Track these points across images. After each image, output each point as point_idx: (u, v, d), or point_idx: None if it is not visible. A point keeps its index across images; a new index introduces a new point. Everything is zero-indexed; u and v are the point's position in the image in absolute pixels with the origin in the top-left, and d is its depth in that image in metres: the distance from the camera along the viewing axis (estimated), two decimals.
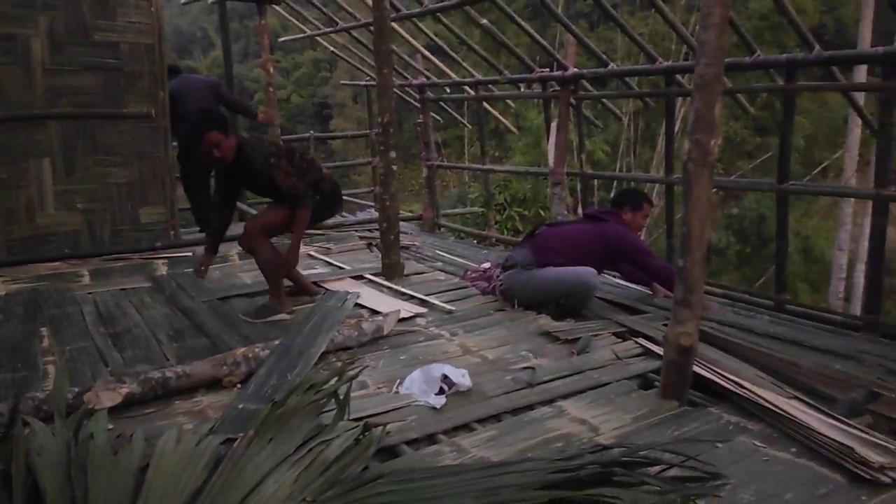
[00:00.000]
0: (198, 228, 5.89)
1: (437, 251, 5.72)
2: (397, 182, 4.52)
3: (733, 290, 4.38)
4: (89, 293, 4.19)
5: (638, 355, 3.02)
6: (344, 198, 9.26)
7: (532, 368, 2.80)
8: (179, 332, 3.43)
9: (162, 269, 4.89)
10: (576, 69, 4.92)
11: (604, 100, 5.55)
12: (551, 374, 2.76)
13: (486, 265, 4.61)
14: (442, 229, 7.34)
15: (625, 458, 1.62)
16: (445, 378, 2.56)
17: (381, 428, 2.05)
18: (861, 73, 9.72)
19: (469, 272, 4.57)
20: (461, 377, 2.59)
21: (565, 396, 2.59)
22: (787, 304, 3.92)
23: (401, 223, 7.40)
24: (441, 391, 2.54)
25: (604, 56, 5.02)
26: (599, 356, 2.97)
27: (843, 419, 2.23)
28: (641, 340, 3.16)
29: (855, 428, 2.15)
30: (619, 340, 3.21)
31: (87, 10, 5.12)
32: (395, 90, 7.70)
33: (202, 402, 2.59)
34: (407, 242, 5.90)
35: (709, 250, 13.70)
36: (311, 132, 8.46)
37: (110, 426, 2.21)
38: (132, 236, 5.49)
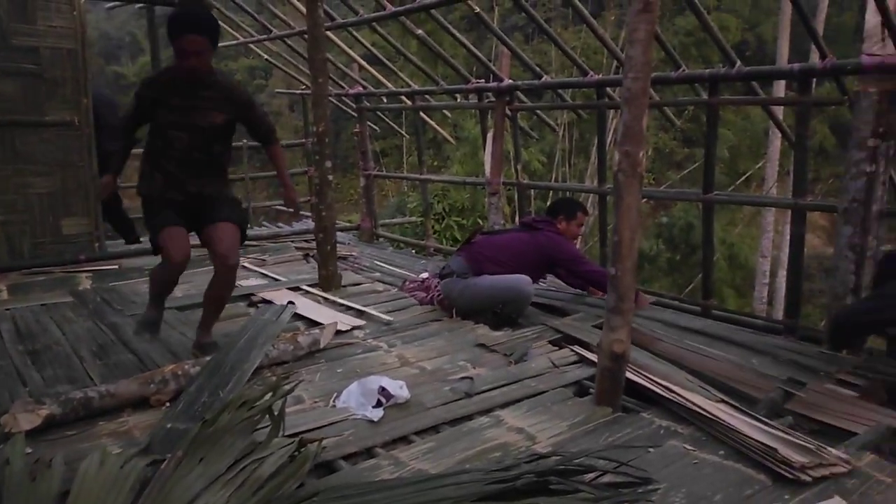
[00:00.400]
0: (123, 241, 5.65)
1: (376, 261, 5.69)
2: (333, 192, 4.48)
3: (663, 296, 4.51)
4: (7, 309, 3.98)
5: (574, 363, 3.07)
6: (281, 207, 9.17)
7: (470, 378, 2.80)
8: (104, 349, 3.28)
9: (85, 283, 4.68)
10: (510, 80, 5.00)
11: (538, 111, 5.64)
12: (489, 384, 2.78)
13: (425, 275, 4.61)
14: (380, 239, 7.31)
15: (560, 467, 1.64)
16: (383, 391, 2.54)
17: (316, 443, 2.02)
18: (780, 88, 10.23)
19: (407, 282, 4.57)
20: (399, 389, 2.58)
21: (503, 406, 2.61)
22: (713, 309, 4.07)
23: (339, 233, 7.33)
24: (379, 404, 2.51)
25: (537, 68, 5.11)
26: (536, 365, 3.01)
27: (767, 421, 2.32)
28: (577, 348, 3.22)
29: (777, 429, 2.24)
30: (556, 348, 3.26)
31: (5, 14, 4.87)
32: (332, 99, 7.64)
33: (128, 423, 2.48)
34: (345, 253, 5.85)
35: (641, 258, 14.07)
36: (245, 141, 8.27)
37: (29, 450, 2.10)
38: (54, 248, 5.23)
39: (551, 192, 12.81)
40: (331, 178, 4.39)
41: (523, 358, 3.09)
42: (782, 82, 9.94)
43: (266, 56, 7.97)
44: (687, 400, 2.48)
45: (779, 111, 9.05)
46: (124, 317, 3.78)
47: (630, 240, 2.50)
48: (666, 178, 18.35)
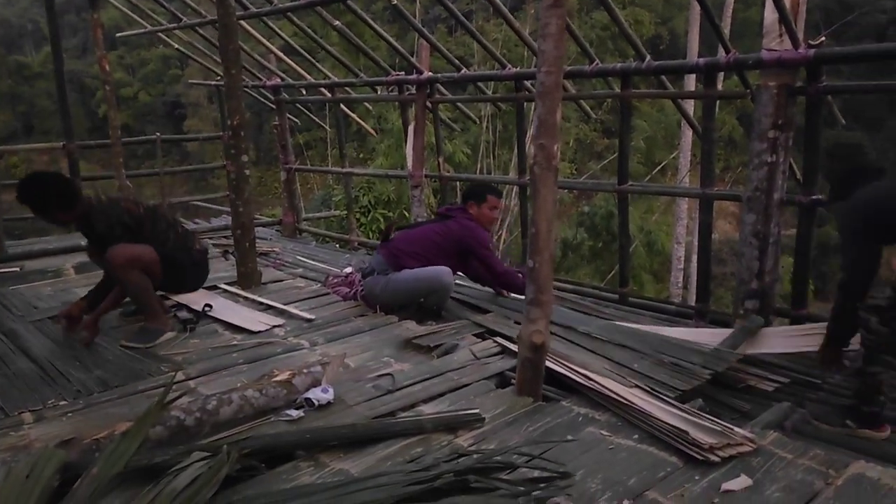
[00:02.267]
0: (27, 240, 5.32)
1: (298, 257, 5.57)
2: (253, 187, 4.35)
3: (583, 285, 4.62)
4: None
5: (496, 354, 3.10)
6: (200, 203, 8.83)
7: (391, 375, 2.78)
8: (1, 358, 3.07)
9: None
10: (430, 73, 4.98)
11: (459, 103, 5.66)
12: (412, 379, 2.77)
13: (349, 270, 4.55)
14: (303, 234, 7.17)
15: (479, 465, 1.64)
16: (307, 401, 2.47)
17: (232, 450, 1.95)
18: (691, 82, 10.62)
19: (331, 278, 4.49)
20: (322, 393, 2.52)
21: (426, 400, 2.60)
22: (629, 296, 4.20)
23: (261, 229, 7.17)
24: (300, 406, 2.46)
25: (457, 61, 5.11)
26: (459, 357, 3.02)
27: (678, 404, 2.41)
28: (499, 339, 3.25)
29: (688, 412, 2.33)
30: (479, 340, 3.28)
31: None
32: (249, 91, 7.42)
33: (29, 436, 2.33)
34: (266, 249, 5.70)
35: (565, 246, 14.34)
36: (158, 134, 7.92)
37: None
38: None
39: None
40: (247, 172, 4.26)
41: (447, 351, 3.10)
42: (693, 76, 10.32)
43: (177, 45, 7.64)
44: (603, 387, 2.55)
45: (690, 104, 9.43)
46: (25, 323, 3.56)
47: (547, 231, 2.54)
48: (587, 168, 18.83)
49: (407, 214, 12.72)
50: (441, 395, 2.66)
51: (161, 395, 2.15)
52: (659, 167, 16.45)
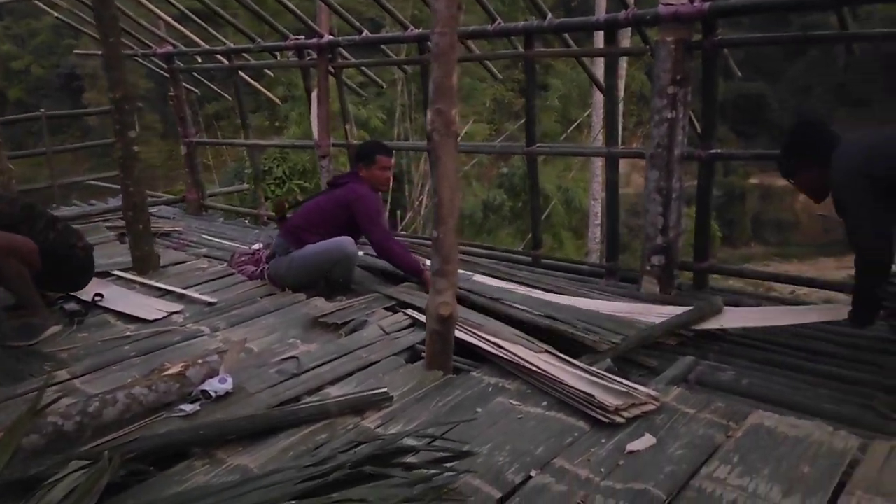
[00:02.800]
0: None
1: (204, 236, 5.31)
2: (142, 164, 4.06)
3: (495, 249, 4.60)
4: None
5: (406, 328, 3.03)
6: (96, 183, 8.25)
7: (296, 357, 2.66)
8: None
9: None
10: (331, 36, 4.75)
11: (364, 67, 5.44)
12: (318, 360, 2.66)
13: (257, 246, 4.35)
14: (209, 210, 6.83)
15: (378, 452, 1.57)
16: (203, 392, 2.32)
17: (115, 455, 1.80)
18: (601, 41, 10.69)
19: (237, 255, 4.27)
20: (220, 384, 2.37)
21: (333, 382, 2.51)
22: (542, 258, 4.20)
23: (163, 207, 6.80)
24: (196, 400, 2.31)
25: (357, 23, 4.90)
26: (368, 334, 2.93)
27: (586, 367, 2.40)
28: (410, 312, 3.17)
29: (595, 374, 2.33)
30: (389, 314, 3.19)
31: None
32: (142, 61, 6.94)
33: None
34: (168, 228, 5.41)
35: (486, 208, 14.34)
36: (43, 110, 7.34)
37: None
38: None
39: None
40: (136, 149, 3.97)
41: (356, 328, 3.00)
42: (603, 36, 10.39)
43: (57, 15, 7.03)
44: (514, 355, 2.52)
45: (601, 64, 9.49)
46: None
47: (450, 200, 2.45)
48: (505, 129, 18.86)
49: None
50: (349, 374, 2.56)
51: (34, 400, 1.96)
52: (574, 124, 16.65)
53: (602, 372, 2.36)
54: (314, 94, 4.93)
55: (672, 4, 3.26)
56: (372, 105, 14.45)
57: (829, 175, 2.40)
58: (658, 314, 3.03)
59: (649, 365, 2.73)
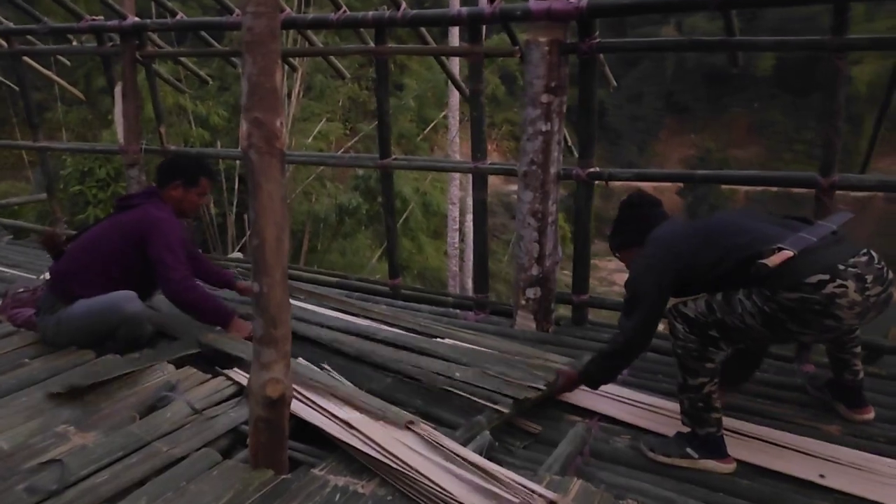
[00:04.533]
0: None
1: None
2: None
3: (348, 277, 3.96)
4: None
5: (228, 398, 2.33)
6: None
7: (60, 461, 1.89)
8: None
9: None
10: (137, 19, 3.87)
11: (181, 58, 4.53)
12: (94, 463, 1.90)
13: (46, 276, 3.36)
14: None
15: None
16: None
17: None
18: (456, 39, 10.31)
19: (12, 293, 3.28)
20: None
21: (112, 499, 1.77)
22: (402, 289, 3.63)
23: None
24: None
25: (168, 3, 4.05)
26: (174, 413, 2.19)
27: (463, 452, 1.86)
28: (236, 372, 2.48)
29: (478, 467, 1.78)
30: (207, 377, 2.47)
31: None
32: None
33: None
34: None
35: (341, 211, 13.57)
36: None
37: None
38: None
39: (220, 160, 10.95)
40: None
41: (158, 404, 2.26)
42: (457, 31, 10.01)
43: None
44: (369, 440, 1.92)
45: (456, 63, 9.11)
46: None
47: (276, 241, 1.81)
48: (359, 130, 18.13)
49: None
50: (141, 483, 1.84)
51: None
52: (431, 126, 16.30)
53: (486, 464, 1.82)
54: (118, 88, 4.01)
55: (545, 0, 2.82)
56: (212, 101, 13.20)
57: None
58: (533, 365, 2.57)
59: (532, 431, 2.27)
